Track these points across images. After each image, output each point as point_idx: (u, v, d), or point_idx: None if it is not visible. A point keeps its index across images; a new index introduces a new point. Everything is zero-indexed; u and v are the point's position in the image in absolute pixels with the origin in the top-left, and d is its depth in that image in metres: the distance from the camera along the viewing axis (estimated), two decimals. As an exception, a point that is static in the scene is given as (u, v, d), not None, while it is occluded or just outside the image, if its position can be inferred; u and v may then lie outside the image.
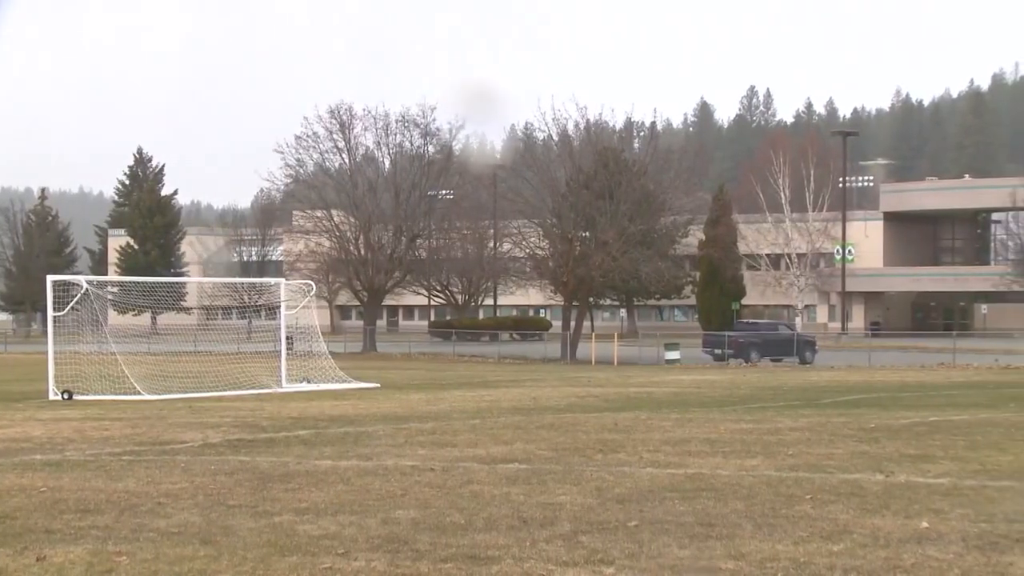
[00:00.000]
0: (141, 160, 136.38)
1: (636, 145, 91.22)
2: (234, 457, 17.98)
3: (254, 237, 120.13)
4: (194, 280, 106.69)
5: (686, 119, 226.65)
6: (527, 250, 74.92)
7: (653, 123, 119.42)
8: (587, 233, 68.83)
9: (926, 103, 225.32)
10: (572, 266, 67.63)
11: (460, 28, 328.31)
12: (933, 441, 19.63)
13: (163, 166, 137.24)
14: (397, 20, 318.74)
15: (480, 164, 71.58)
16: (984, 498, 13.55)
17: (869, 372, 49.69)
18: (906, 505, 13.06)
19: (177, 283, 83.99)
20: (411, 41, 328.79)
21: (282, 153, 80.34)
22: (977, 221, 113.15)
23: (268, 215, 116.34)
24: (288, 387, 37.08)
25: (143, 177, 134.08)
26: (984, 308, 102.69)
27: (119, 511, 13.04)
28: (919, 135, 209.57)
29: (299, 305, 42.81)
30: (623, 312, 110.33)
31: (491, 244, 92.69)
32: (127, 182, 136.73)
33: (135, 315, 79.84)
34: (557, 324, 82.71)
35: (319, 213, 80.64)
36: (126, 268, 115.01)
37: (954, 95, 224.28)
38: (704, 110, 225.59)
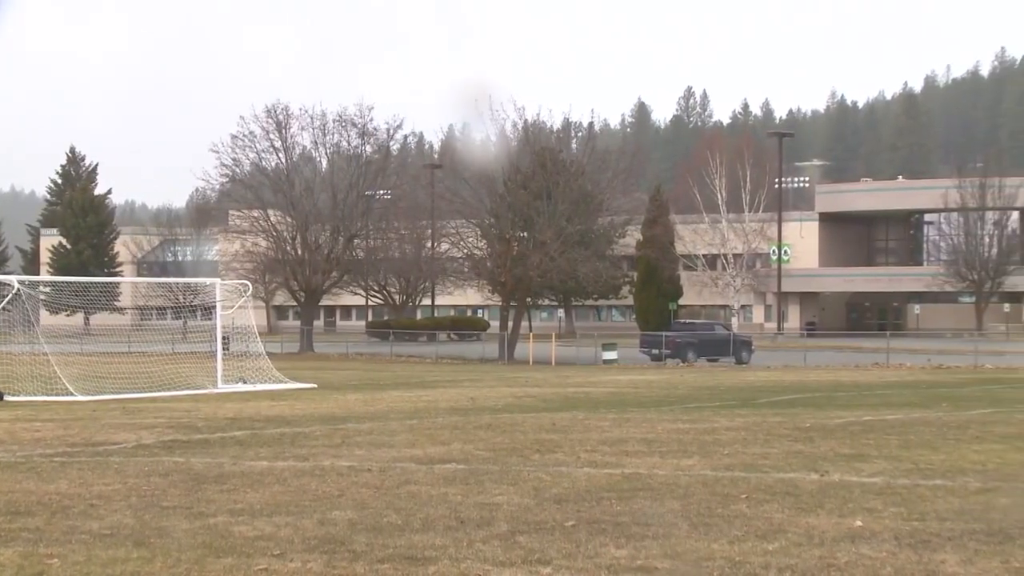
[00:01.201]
0: (74, 159, 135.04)
1: (574, 145, 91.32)
2: (168, 458, 17.83)
3: (189, 237, 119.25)
4: (128, 280, 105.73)
5: (623, 120, 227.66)
6: (465, 250, 74.92)
7: (591, 123, 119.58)
8: (525, 233, 68.90)
9: (860, 105, 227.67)
10: (510, 266, 67.66)
11: (401, 28, 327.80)
12: (867, 440, 19.81)
13: (96, 165, 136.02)
14: (339, 19, 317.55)
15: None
16: (917, 497, 13.68)
17: (804, 372, 50.07)
18: (840, 504, 13.16)
19: (111, 283, 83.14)
20: (352, 40, 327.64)
21: (218, 152, 79.97)
22: (910, 222, 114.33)
23: (203, 215, 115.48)
24: (224, 388, 36.81)
25: (76, 176, 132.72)
26: (917, 308, 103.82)
27: (50, 513, 12.90)
28: (854, 136, 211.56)
29: (235, 305, 42.53)
30: (561, 312, 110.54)
31: (429, 244, 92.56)
32: (60, 181, 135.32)
33: (68, 315, 78.78)
34: (495, 324, 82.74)
35: (255, 213, 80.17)
36: (59, 268, 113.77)
37: (888, 97, 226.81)
38: (641, 111, 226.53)
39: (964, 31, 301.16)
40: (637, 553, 10.64)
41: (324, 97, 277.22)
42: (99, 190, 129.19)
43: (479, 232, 71.90)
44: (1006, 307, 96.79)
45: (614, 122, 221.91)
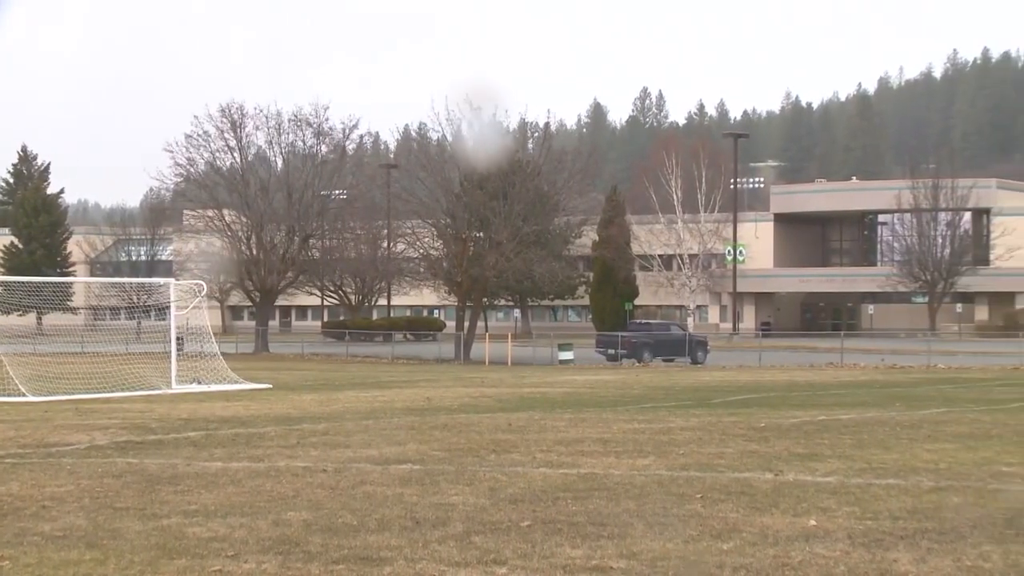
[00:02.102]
0: (26, 158, 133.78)
1: (530, 146, 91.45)
2: (122, 459, 17.72)
3: (143, 237, 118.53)
4: (81, 280, 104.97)
5: (579, 120, 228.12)
6: (421, 250, 74.77)
7: (547, 124, 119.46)
8: (481, 233, 68.86)
9: (815, 106, 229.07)
10: (466, 266, 67.62)
11: (356, 29, 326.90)
12: (821, 440, 19.91)
13: (48, 164, 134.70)
14: (294, 19, 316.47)
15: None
16: (870, 496, 13.76)
17: (759, 372, 50.26)
18: (795, 503, 13.22)
19: (64, 283, 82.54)
20: (307, 39, 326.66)
21: (172, 152, 79.46)
22: (864, 223, 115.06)
23: (158, 214, 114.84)
24: (178, 388, 36.60)
25: (28, 175, 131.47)
26: (871, 308, 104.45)
27: (1, 515, 12.80)
28: (808, 137, 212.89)
29: (190, 305, 42.31)
30: (517, 312, 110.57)
31: (385, 244, 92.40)
32: (11, 180, 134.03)
33: (20, 315, 78.29)
34: (451, 324, 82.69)
35: (210, 213, 79.78)
36: (11, 268, 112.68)
37: (842, 98, 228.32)
38: (597, 111, 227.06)
39: (917, 33, 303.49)
40: (593, 553, 10.65)
41: (280, 97, 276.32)
42: (52, 189, 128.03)
43: (435, 232, 71.81)
44: (959, 307, 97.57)
45: (570, 123, 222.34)
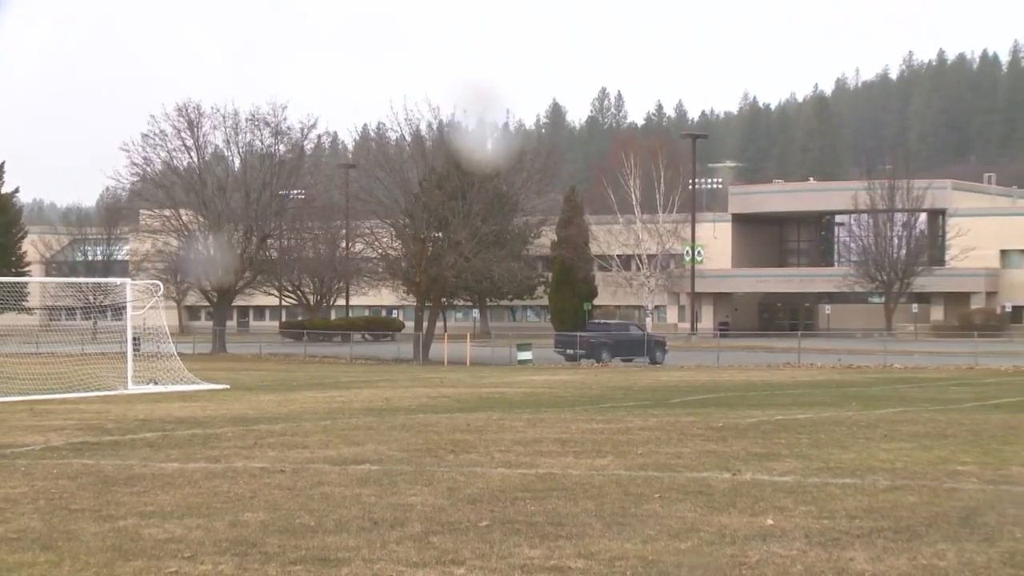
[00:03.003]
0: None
1: (489, 146, 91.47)
2: (77, 460, 17.60)
3: (99, 236, 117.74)
4: (36, 280, 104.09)
5: (538, 120, 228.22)
6: (379, 250, 74.62)
7: (506, 124, 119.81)
8: (440, 233, 68.79)
9: (772, 107, 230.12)
10: (425, 266, 67.54)
11: (314, 29, 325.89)
12: (779, 440, 19.99)
13: (3, 164, 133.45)
14: (253, 18, 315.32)
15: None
16: (827, 495, 13.82)
17: (717, 372, 50.44)
18: (752, 503, 13.26)
19: (18, 283, 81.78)
20: (268, 39, 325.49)
21: (128, 151, 79.00)
22: (821, 223, 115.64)
23: (114, 214, 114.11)
24: (134, 389, 36.37)
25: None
26: (828, 308, 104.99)
27: (-44, 517, 12.66)
28: (766, 138, 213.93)
29: (146, 306, 42.05)
30: (476, 312, 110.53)
31: (343, 244, 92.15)
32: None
33: (-25, 316, 77.71)
34: (410, 325, 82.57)
35: (167, 212, 79.38)
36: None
37: (799, 99, 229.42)
38: (556, 112, 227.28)
39: (873, 35, 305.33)
40: (551, 553, 10.66)
41: (239, 96, 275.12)
42: (6, 188, 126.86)
43: (394, 232, 71.68)
44: (914, 307, 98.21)
45: (529, 123, 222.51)
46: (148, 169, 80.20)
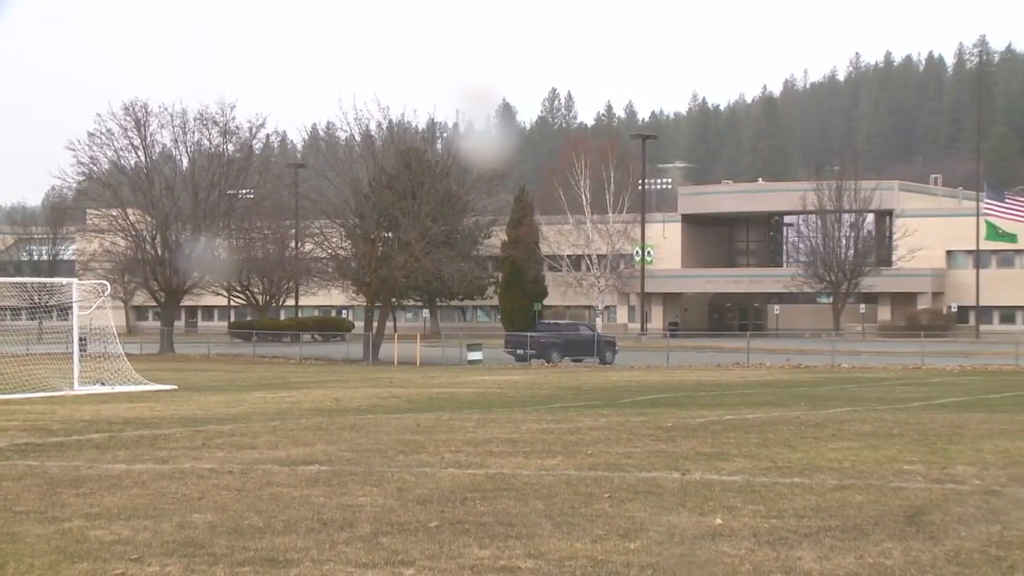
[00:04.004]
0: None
1: (439, 146, 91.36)
2: (22, 462, 17.42)
3: (45, 236, 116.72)
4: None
5: (488, 120, 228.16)
6: (329, 250, 74.37)
7: (456, 124, 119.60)
8: (390, 234, 68.65)
9: (722, 108, 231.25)
10: (375, 267, 67.36)
11: (264, 28, 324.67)
12: (728, 439, 20.06)
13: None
14: (202, 17, 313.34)
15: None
16: (775, 495, 13.88)
17: (667, 372, 50.60)
18: (701, 502, 13.30)
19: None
20: (215, 37, 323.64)
21: (74, 150, 78.47)
22: (770, 224, 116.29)
23: (60, 213, 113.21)
24: (81, 389, 36.06)
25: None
26: (777, 309, 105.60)
27: (-102, 520, 12.51)
28: (715, 139, 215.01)
29: (93, 306, 41.70)
30: (426, 313, 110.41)
31: (292, 244, 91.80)
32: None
33: (-83, 316, 76.85)
34: (359, 325, 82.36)
35: (114, 212, 78.86)
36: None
37: (748, 100, 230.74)
38: (506, 111, 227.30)
39: (821, 36, 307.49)
40: (501, 553, 10.65)
41: (186, 95, 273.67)
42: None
43: (343, 232, 71.48)
44: (862, 308, 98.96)
45: (479, 123, 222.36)
46: (95, 168, 79.78)
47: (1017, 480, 15.18)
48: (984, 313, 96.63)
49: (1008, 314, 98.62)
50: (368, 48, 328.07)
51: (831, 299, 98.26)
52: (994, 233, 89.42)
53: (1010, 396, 32.87)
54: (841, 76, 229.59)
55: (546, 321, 78.08)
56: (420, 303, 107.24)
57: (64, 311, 46.52)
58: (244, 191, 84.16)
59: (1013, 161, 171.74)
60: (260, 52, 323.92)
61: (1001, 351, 62.36)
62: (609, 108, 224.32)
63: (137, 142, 78.24)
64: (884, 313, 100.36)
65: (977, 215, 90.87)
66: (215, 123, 79.19)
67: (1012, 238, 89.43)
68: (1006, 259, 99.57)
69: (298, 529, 11.80)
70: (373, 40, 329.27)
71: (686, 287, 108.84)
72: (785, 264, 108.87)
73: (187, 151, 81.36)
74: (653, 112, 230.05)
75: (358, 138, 73.53)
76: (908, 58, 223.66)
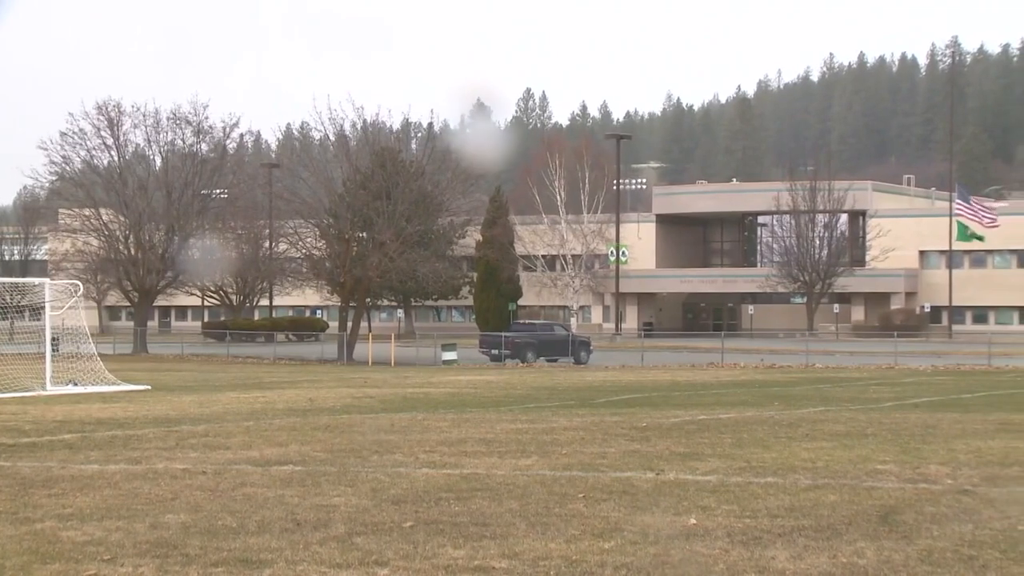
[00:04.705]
0: None
1: (413, 146, 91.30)
2: (-6, 463, 17.33)
3: (16, 236, 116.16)
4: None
5: (463, 120, 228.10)
6: (303, 251, 74.18)
7: (430, 124, 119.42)
8: (364, 234, 68.53)
9: (696, 108, 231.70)
10: (349, 267, 67.24)
11: (238, 27, 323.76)
12: (702, 439, 20.10)
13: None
14: (175, 17, 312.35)
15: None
16: (749, 494, 13.91)
17: (642, 372, 50.64)
18: (675, 502, 13.32)
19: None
20: (188, 36, 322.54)
21: (47, 150, 78.13)
22: (744, 224, 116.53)
23: (32, 213, 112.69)
24: (53, 390, 35.90)
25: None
26: (751, 309, 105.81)
27: None
28: (689, 139, 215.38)
29: (65, 306, 41.51)
30: (401, 313, 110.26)
31: (267, 244, 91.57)
32: None
33: None
34: (334, 325, 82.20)
35: (87, 212, 78.52)
36: None
37: (722, 100, 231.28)
38: (481, 111, 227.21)
39: (795, 37, 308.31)
40: (475, 553, 10.64)
41: (164, 95, 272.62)
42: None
43: (318, 232, 71.31)
44: (836, 308, 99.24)
45: (454, 123, 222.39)
46: (67, 168, 79.41)
47: (989, 480, 15.26)
48: (957, 313, 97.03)
49: (980, 314, 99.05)
50: (343, 48, 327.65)
51: (805, 299, 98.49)
52: (965, 234, 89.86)
53: (982, 396, 33.02)
54: (815, 77, 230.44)
55: (521, 321, 78.08)
56: (395, 303, 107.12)
57: (36, 311, 46.26)
58: (218, 191, 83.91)
59: (985, 162, 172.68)
60: (234, 52, 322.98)
61: (973, 351, 62.68)
62: (584, 108, 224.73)
63: (110, 142, 77.96)
64: (858, 313, 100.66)
65: (950, 215, 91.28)
66: (188, 123, 78.94)
67: (981, 238, 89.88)
68: (978, 259, 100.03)
69: (272, 529, 11.78)
70: (348, 40, 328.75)
71: (660, 287, 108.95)
72: (759, 264, 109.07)
73: (160, 151, 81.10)
74: (628, 112, 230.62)
75: (332, 138, 73.42)
76: (881, 59, 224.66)
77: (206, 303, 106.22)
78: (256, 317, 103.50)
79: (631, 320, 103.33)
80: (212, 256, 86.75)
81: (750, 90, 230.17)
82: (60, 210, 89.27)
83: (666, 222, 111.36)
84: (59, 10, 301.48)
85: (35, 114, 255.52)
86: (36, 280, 52.73)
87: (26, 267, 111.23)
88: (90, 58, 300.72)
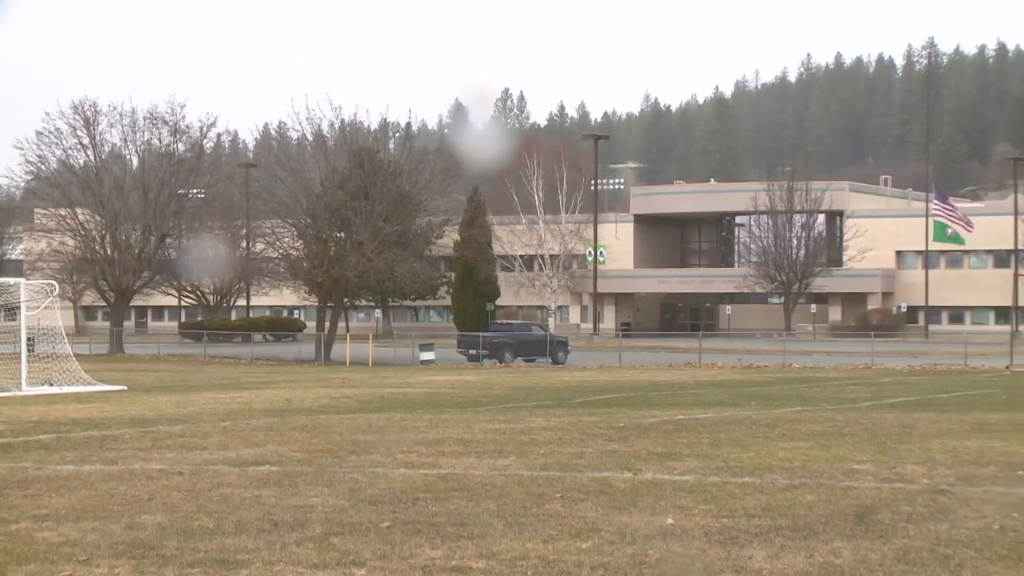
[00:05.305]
0: None
1: (391, 146, 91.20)
2: (-31, 464, 17.24)
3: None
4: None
5: (441, 120, 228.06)
6: (281, 250, 74.00)
7: (408, 124, 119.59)
8: (342, 234, 68.42)
9: (673, 108, 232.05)
10: (327, 267, 67.11)
11: (218, 28, 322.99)
12: (679, 439, 20.12)
13: None
14: (156, 15, 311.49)
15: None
16: (726, 494, 13.93)
17: (619, 372, 50.68)
18: (653, 502, 13.33)
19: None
20: (164, 35, 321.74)
21: (22, 149, 77.82)
22: (722, 224, 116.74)
23: (7, 213, 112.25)
24: (29, 390, 35.76)
25: None
26: (728, 309, 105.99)
27: None
28: (667, 139, 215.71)
29: (41, 306, 41.34)
30: (378, 313, 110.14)
31: (244, 244, 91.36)
32: None
33: None
34: (311, 325, 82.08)
35: (63, 211, 78.25)
36: None
37: (700, 101, 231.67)
38: (459, 111, 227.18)
39: (772, 38, 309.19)
40: (452, 553, 10.63)
41: (140, 94, 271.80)
42: None
43: (295, 232, 71.15)
44: (813, 308, 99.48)
45: (432, 123, 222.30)
46: (43, 167, 79.17)
47: (965, 479, 15.31)
48: (933, 313, 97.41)
49: (957, 314, 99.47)
50: (321, 48, 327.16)
51: (782, 299, 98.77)
52: (942, 234, 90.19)
53: (958, 396, 33.15)
54: (792, 77, 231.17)
55: (498, 321, 78.07)
56: (372, 303, 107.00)
57: (12, 311, 46.03)
58: (195, 191, 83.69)
59: (961, 162, 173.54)
60: (212, 51, 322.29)
61: (950, 351, 62.91)
62: (562, 108, 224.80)
63: (86, 141, 77.68)
64: (835, 313, 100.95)
65: (926, 216, 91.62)
66: (165, 122, 78.72)
67: (961, 241, 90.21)
68: (955, 259, 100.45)
69: (249, 530, 11.74)
70: (326, 40, 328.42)
71: (638, 287, 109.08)
72: (737, 264, 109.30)
73: (137, 150, 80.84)
74: (605, 112, 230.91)
75: (310, 138, 73.28)
76: (858, 59, 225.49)
77: (183, 303, 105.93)
78: (233, 317, 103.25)
79: (609, 320, 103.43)
80: (189, 256, 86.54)
81: (728, 90, 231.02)
82: (36, 210, 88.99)
83: (644, 222, 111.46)
84: (36, 9, 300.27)
85: (10, 113, 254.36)
86: (11, 280, 52.38)
87: (1, 267, 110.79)
88: (67, 58, 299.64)
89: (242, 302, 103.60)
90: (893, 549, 10.85)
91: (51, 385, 37.27)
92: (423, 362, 59.43)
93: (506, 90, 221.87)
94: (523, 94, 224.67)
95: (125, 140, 79.91)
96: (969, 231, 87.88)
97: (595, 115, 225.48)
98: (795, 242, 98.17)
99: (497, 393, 34.68)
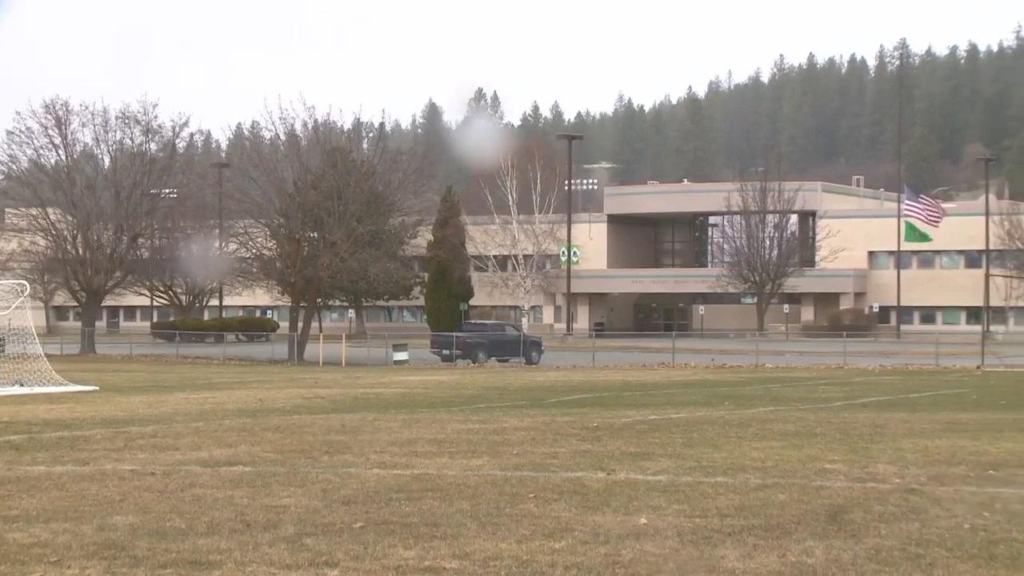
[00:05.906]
0: None
1: (365, 146, 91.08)
2: (-61, 465, 17.14)
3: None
4: None
5: (414, 120, 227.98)
6: (254, 250, 73.78)
7: (382, 124, 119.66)
8: (315, 234, 68.30)
9: (647, 108, 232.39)
10: (300, 267, 66.99)
11: (193, 29, 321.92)
12: (653, 439, 20.15)
13: None
14: (119, 12, 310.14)
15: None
16: (699, 494, 13.95)
17: (593, 372, 50.74)
18: (626, 502, 13.34)
19: None
20: (137, 35, 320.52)
21: (-8, 148, 77.38)
22: (695, 224, 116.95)
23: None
24: None
25: None
26: (702, 309, 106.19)
27: None
28: (641, 139, 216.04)
29: (11, 306, 41.17)
30: (352, 313, 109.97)
31: (216, 244, 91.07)
32: None
33: None
34: (284, 325, 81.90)
35: (34, 211, 77.89)
36: None
37: (673, 101, 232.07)
38: (432, 111, 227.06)
39: (745, 38, 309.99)
40: (425, 554, 10.62)
41: (113, 93, 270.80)
42: None
43: (268, 232, 70.96)
44: (786, 308, 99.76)
45: (405, 123, 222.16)
46: (14, 167, 78.89)
47: (936, 479, 15.38)
48: (905, 313, 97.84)
49: (928, 314, 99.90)
50: (295, 48, 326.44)
51: (755, 299, 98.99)
52: (913, 234, 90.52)
53: (930, 395, 33.31)
54: (765, 78, 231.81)
55: (472, 321, 78.06)
56: (346, 303, 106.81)
57: (-18, 311, 45.87)
58: (167, 191, 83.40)
59: (933, 163, 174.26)
60: (184, 51, 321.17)
61: (921, 351, 63.23)
62: (535, 108, 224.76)
63: (58, 140, 77.31)
64: (807, 313, 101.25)
65: (898, 216, 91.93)
66: (137, 122, 78.42)
67: (929, 238, 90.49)
68: (926, 260, 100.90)
69: (221, 531, 11.71)
70: (299, 40, 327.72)
71: (612, 287, 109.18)
72: (710, 264, 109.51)
73: (109, 150, 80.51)
74: (579, 112, 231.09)
75: (283, 138, 73.08)
76: (831, 60, 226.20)
77: (155, 303, 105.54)
78: (206, 317, 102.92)
79: (582, 320, 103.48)
80: (161, 256, 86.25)
81: (701, 91, 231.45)
82: (7, 209, 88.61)
83: (617, 222, 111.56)
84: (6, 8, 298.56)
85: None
86: (-18, 280, 52.23)
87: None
88: (38, 56, 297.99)
89: (215, 302, 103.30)
90: (865, 548, 10.89)
91: (22, 385, 37.11)
92: (396, 362, 59.38)
93: (480, 90, 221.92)
94: (496, 94, 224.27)
95: (97, 139, 79.65)
96: (936, 223, 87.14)
97: (569, 115, 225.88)
98: (768, 242, 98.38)
99: (470, 393, 34.68)
